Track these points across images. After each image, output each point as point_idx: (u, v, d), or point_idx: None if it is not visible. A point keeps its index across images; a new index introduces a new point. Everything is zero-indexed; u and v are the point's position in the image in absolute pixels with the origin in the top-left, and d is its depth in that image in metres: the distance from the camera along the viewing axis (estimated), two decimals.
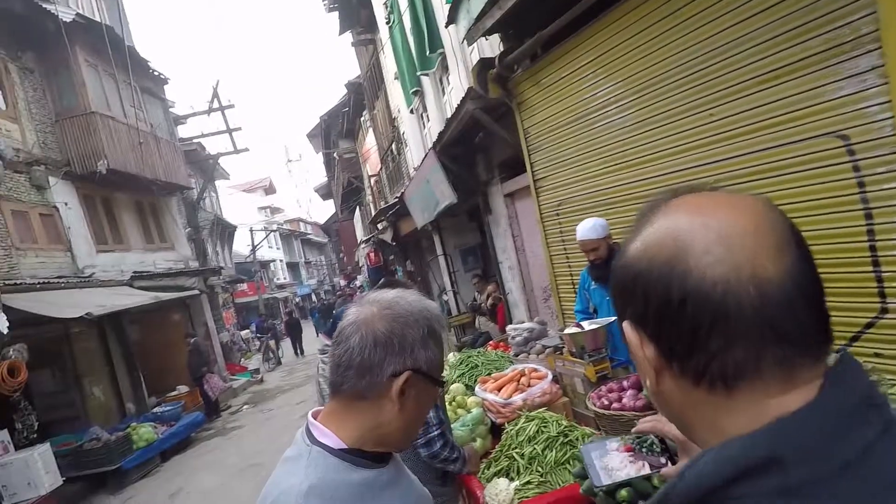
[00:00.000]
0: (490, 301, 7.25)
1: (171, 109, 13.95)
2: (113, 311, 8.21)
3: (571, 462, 2.43)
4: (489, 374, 3.53)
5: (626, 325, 0.54)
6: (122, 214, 11.35)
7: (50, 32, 9.30)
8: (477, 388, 3.28)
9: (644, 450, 1.27)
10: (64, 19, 9.19)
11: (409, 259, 14.72)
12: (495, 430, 3.06)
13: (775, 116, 2.61)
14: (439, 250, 10.03)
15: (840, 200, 2.40)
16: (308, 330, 22.89)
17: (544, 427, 2.59)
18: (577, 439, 2.53)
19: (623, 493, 1.79)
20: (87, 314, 7.01)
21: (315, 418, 0.96)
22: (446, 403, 3.25)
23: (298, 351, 19.49)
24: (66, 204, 9.55)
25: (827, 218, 2.43)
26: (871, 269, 2.36)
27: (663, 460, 1.02)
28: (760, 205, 0.50)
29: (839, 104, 2.36)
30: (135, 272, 10.69)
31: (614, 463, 1.48)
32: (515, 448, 2.56)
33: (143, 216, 12.16)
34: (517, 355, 3.82)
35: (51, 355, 8.56)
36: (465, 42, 4.45)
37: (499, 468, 2.56)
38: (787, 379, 0.47)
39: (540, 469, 2.42)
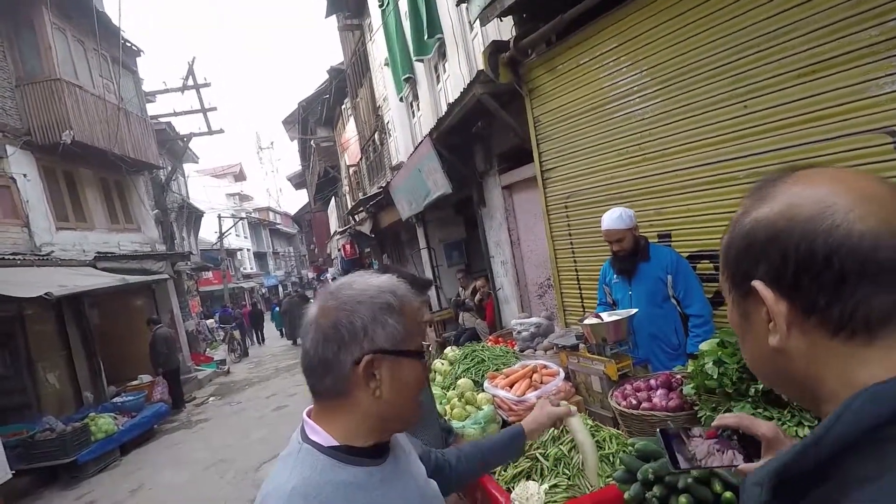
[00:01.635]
0: (478, 296, 7.09)
1: (141, 86, 13.26)
2: (76, 291, 7.67)
3: (599, 465, 2.27)
4: (497, 369, 3.36)
5: (757, 283, 0.56)
6: (85, 191, 10.67)
7: None
8: (486, 384, 3.10)
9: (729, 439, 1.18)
10: None
11: (387, 252, 14.44)
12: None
13: (817, 111, 2.52)
14: (423, 244, 9.82)
15: None
16: (270, 324, 22.38)
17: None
18: (603, 440, 2.37)
19: (682, 499, 1.64)
20: (46, 294, 6.49)
21: (310, 416, 0.95)
22: (455, 398, 3.07)
23: (259, 339, 20.18)
24: (24, 175, 8.89)
25: None
26: None
27: (741, 457, 0.97)
28: (880, 179, 0.55)
29: (888, 100, 2.28)
30: (98, 252, 10.07)
31: (700, 450, 1.36)
32: (538, 448, 2.39)
33: (109, 194, 11.48)
34: (523, 351, 3.66)
35: (1, 337, 7.95)
36: (478, 22, 4.25)
37: (519, 469, 2.38)
38: None
39: (567, 472, 2.26)
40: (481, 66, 4.40)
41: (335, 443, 0.89)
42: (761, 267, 0.56)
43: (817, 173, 0.56)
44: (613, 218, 2.92)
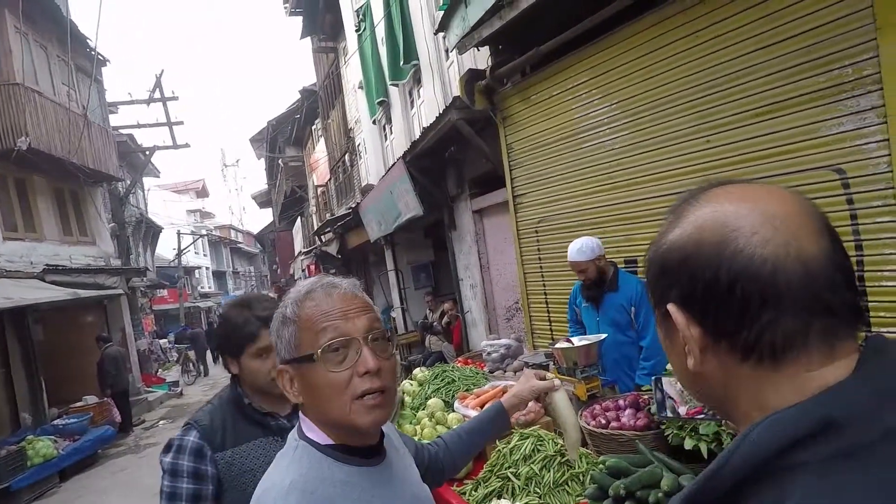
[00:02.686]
0: (446, 319, 7.09)
1: (105, 97, 12.91)
2: (22, 304, 7.25)
3: (570, 483, 2.30)
4: (467, 389, 3.36)
5: (671, 307, 0.56)
6: (37, 200, 10.19)
7: None
8: (457, 404, 3.09)
9: None
10: None
11: (354, 274, 14.29)
12: None
13: (773, 147, 2.70)
14: (390, 265, 9.79)
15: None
16: None
17: (540, 445, 2.45)
18: (574, 461, 2.40)
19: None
20: None
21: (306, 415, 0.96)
22: (426, 418, 3.04)
23: (215, 360, 19.13)
24: None
25: None
26: None
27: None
28: (796, 194, 0.55)
29: (837, 139, 2.47)
30: (47, 265, 9.57)
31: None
32: (509, 468, 2.40)
33: (63, 205, 11.00)
34: (493, 372, 3.68)
35: None
36: (455, 51, 4.39)
37: (490, 489, 2.38)
38: (829, 352, 0.51)
39: (538, 490, 2.27)
40: (457, 93, 4.52)
41: (330, 441, 0.90)
42: (674, 290, 0.56)
43: (727, 192, 0.56)
44: (575, 250, 3.01)
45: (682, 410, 1.62)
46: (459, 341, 6.73)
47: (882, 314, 2.40)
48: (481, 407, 2.99)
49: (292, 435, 0.95)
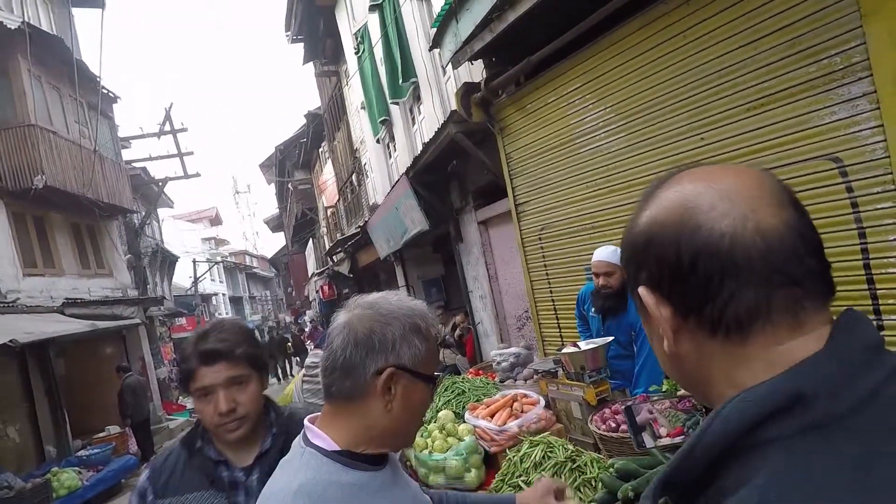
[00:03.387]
0: (458, 332, 7.07)
1: (117, 132, 13.27)
2: (42, 338, 7.40)
3: (582, 489, 2.27)
4: (478, 400, 3.35)
5: (641, 289, 0.56)
6: (55, 236, 10.46)
7: None
8: (467, 415, 3.09)
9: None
10: (9, 26, 8.62)
11: (366, 292, 14.33)
12: (488, 460, 2.88)
13: (767, 140, 2.70)
14: (401, 281, 9.83)
15: (833, 221, 2.47)
16: None
17: (550, 452, 2.44)
18: (585, 464, 2.38)
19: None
20: (11, 341, 6.25)
21: (313, 423, 0.98)
22: (436, 430, 3.04)
23: None
24: None
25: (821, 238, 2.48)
26: (865, 287, 2.42)
27: None
28: (759, 171, 0.55)
29: (831, 128, 2.46)
30: (67, 298, 9.78)
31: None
32: (521, 476, 2.38)
33: (80, 239, 11.27)
34: (503, 381, 3.66)
35: None
36: (450, 66, 4.46)
37: None
38: (796, 324, 0.50)
39: None
40: (454, 107, 4.58)
41: (337, 447, 0.92)
42: (643, 273, 0.56)
43: (689, 174, 0.56)
44: (609, 251, 2.95)
45: (664, 431, 1.59)
46: (473, 353, 6.71)
47: (890, 301, 2.37)
48: (491, 417, 2.98)
49: (297, 442, 0.97)
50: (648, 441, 1.48)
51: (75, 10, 12.39)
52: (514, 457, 2.51)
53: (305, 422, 0.98)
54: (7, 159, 9.09)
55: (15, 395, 8.44)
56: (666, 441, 1.46)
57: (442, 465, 2.75)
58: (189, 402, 15.01)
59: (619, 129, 3.45)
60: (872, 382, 0.47)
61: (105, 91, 12.00)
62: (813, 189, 2.53)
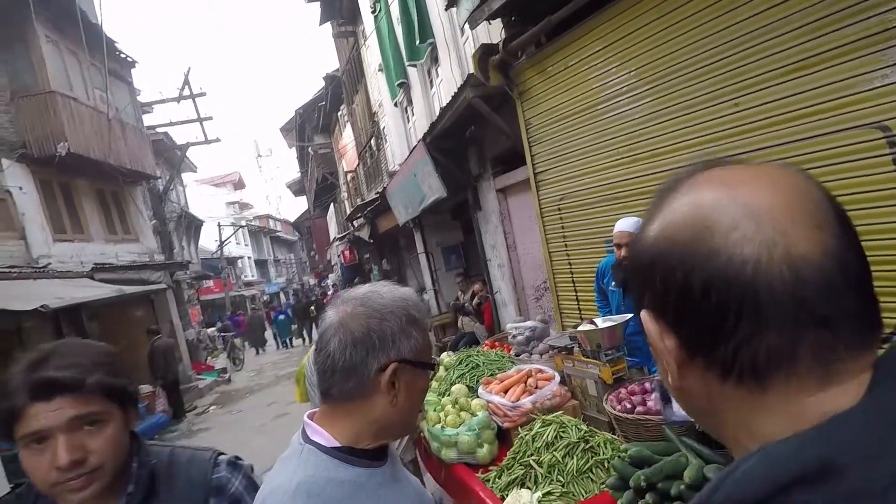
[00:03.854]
0: (476, 300, 7.05)
1: (137, 97, 13.28)
2: (72, 303, 7.65)
3: (594, 471, 2.23)
4: (492, 374, 3.32)
5: (644, 314, 0.49)
6: (82, 202, 10.67)
7: (5, 4, 8.64)
8: (480, 390, 3.06)
9: None
10: None
11: (386, 257, 14.41)
12: (501, 436, 2.86)
13: (807, 107, 2.49)
14: (420, 248, 9.80)
15: (879, 195, 2.29)
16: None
17: (563, 432, 2.40)
18: (598, 445, 2.33)
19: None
20: (42, 306, 6.47)
21: (311, 419, 0.96)
22: (449, 405, 3.03)
23: (259, 350, 19.47)
24: (20, 188, 8.89)
25: (865, 213, 2.31)
26: None
27: None
28: (797, 177, 0.45)
29: (879, 94, 2.25)
30: (96, 264, 10.05)
31: None
32: (532, 455, 2.36)
33: (106, 205, 11.48)
34: (518, 355, 3.62)
35: None
36: (468, 25, 4.24)
37: (513, 477, 2.35)
38: (827, 372, 0.42)
39: (561, 479, 2.22)
40: (472, 70, 4.38)
41: (337, 444, 0.91)
42: (647, 295, 0.49)
43: (710, 177, 0.48)
44: (632, 222, 2.87)
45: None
46: (491, 322, 6.70)
47: None
48: (504, 392, 2.95)
49: (296, 439, 0.95)
50: (675, 413, 1.48)
51: None
52: (526, 435, 2.48)
53: (304, 418, 0.97)
54: (31, 127, 9.20)
55: None
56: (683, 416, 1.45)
57: (454, 439, 2.74)
58: (217, 363, 15.54)
59: (645, 94, 3.25)
60: None
61: (123, 55, 11.96)
62: (857, 160, 2.34)
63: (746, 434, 0.45)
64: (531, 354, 3.55)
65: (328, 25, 14.06)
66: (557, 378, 2.95)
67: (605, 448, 2.29)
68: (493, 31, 4.72)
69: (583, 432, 2.37)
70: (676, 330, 0.47)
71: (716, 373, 0.45)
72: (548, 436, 2.40)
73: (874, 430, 0.39)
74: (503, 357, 3.63)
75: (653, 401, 2.32)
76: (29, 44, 9.21)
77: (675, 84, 3.04)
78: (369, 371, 0.89)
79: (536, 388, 2.93)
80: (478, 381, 3.27)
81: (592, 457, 2.27)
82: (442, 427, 2.87)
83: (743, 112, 2.73)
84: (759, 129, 2.67)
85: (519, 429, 2.62)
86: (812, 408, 0.42)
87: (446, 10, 5.31)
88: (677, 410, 1.57)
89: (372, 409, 0.91)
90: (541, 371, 3.09)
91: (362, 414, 0.92)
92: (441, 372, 3.61)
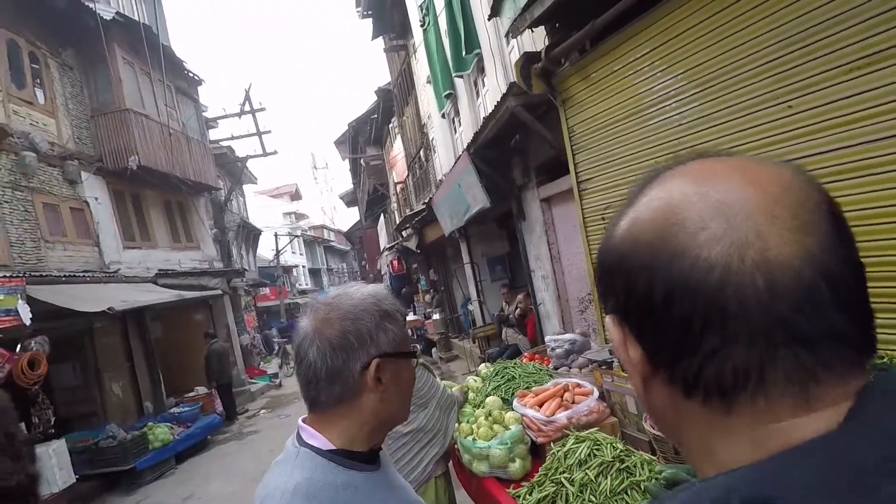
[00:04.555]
0: (519, 311, 6.94)
1: (203, 114, 14.11)
2: (136, 306, 8.15)
3: (629, 492, 2.12)
4: (528, 387, 3.25)
5: (608, 320, 0.46)
6: (150, 212, 11.41)
7: (90, 29, 9.43)
8: (515, 403, 3.00)
9: None
10: (104, 17, 9.31)
11: (433, 268, 14.50)
12: (535, 451, 2.78)
13: (869, 108, 2.29)
14: (466, 258, 9.78)
15: None
16: None
17: (597, 450, 2.30)
18: (634, 466, 2.22)
19: None
20: (108, 309, 6.93)
21: (306, 423, 0.97)
22: (482, 417, 2.97)
23: None
24: (96, 199, 9.62)
25: None
26: None
27: None
28: (783, 171, 0.40)
29: None
30: (160, 270, 10.69)
31: None
32: (564, 472, 2.27)
33: (171, 215, 12.22)
34: (557, 368, 3.53)
35: (72, 349, 8.54)
36: (509, 35, 4.22)
37: (544, 494, 2.27)
38: (803, 396, 0.37)
39: (593, 499, 2.12)
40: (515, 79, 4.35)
41: (332, 447, 0.92)
42: (611, 300, 0.45)
43: (686, 171, 0.43)
44: None
45: None
46: (534, 334, 6.56)
47: None
48: (539, 406, 2.87)
49: (291, 442, 0.96)
50: None
51: None
52: (558, 451, 2.39)
53: (299, 422, 0.97)
54: (107, 141, 9.96)
55: (119, 355, 9.41)
56: None
57: (486, 452, 2.69)
58: (270, 367, 16.07)
59: (692, 98, 3.10)
60: (881, 500, 0.31)
61: (191, 74, 12.74)
62: None
63: (708, 459, 0.41)
64: (570, 368, 3.45)
65: (380, 41, 14.46)
66: (596, 393, 2.84)
67: (643, 469, 2.17)
68: (536, 39, 4.69)
69: (618, 451, 2.26)
70: (640, 339, 0.43)
71: (679, 389, 0.41)
72: (581, 453, 2.31)
73: (832, 471, 0.33)
74: (541, 370, 3.55)
75: None
76: (109, 65, 10.00)
77: (723, 87, 2.89)
78: (353, 372, 0.90)
79: (573, 402, 2.84)
80: (513, 394, 3.20)
81: (628, 477, 2.16)
82: (474, 439, 2.82)
83: (797, 114, 2.55)
84: (814, 132, 2.49)
85: (552, 444, 2.54)
86: (778, 436, 0.37)
87: (489, 19, 5.32)
88: None
89: (363, 408, 0.92)
90: (579, 385, 2.99)
91: (355, 414, 0.92)
92: (478, 383, 3.56)
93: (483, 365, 4.01)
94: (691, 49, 3.05)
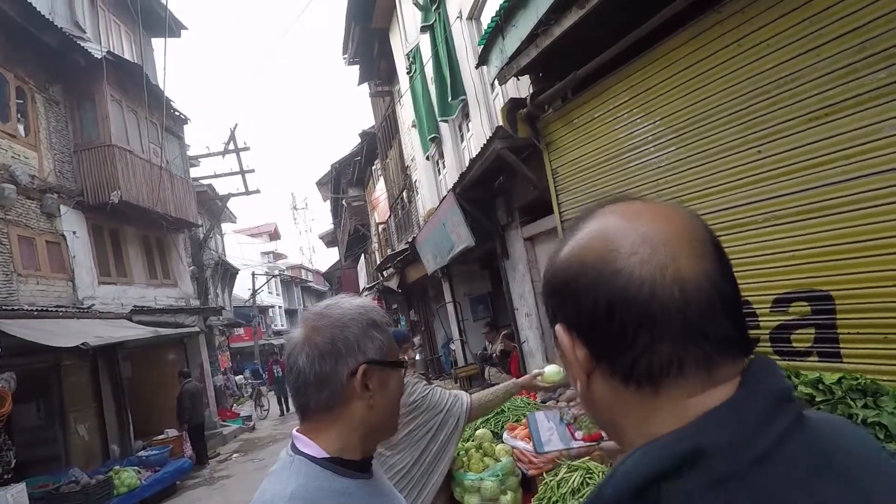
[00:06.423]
0: (502, 347, 6.97)
1: (187, 151, 14.16)
2: (111, 342, 7.91)
3: None
4: (517, 420, 3.27)
5: (558, 328, 0.55)
6: (128, 247, 11.24)
7: (80, 67, 9.54)
8: (505, 435, 3.02)
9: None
10: (95, 55, 9.44)
11: (414, 308, 14.45)
12: (526, 482, 2.79)
13: (832, 153, 2.51)
14: (448, 297, 9.82)
15: None
16: None
17: (590, 479, 2.33)
18: None
19: None
20: (83, 344, 6.71)
21: (299, 432, 0.98)
22: (473, 449, 2.98)
23: (284, 408, 16.11)
24: (74, 233, 9.46)
25: (885, 259, 2.27)
26: None
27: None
28: (685, 213, 0.54)
29: None
30: (135, 306, 10.44)
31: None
32: (557, 501, 2.29)
33: (149, 251, 12.04)
34: (545, 402, 3.56)
35: (38, 387, 8.17)
36: (497, 82, 4.46)
37: None
38: (708, 378, 0.49)
39: None
40: (501, 123, 4.57)
41: (326, 455, 0.93)
42: (560, 311, 0.55)
43: (614, 209, 0.55)
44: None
45: (579, 435, 1.58)
46: (517, 372, 6.57)
47: None
48: (529, 437, 2.89)
49: (285, 451, 0.98)
50: (556, 444, 1.66)
51: (154, 40, 13.45)
52: (551, 481, 2.42)
53: (293, 431, 1.00)
54: (89, 176, 9.89)
55: (86, 395, 9.03)
56: (579, 443, 1.65)
57: (477, 485, 2.69)
58: (243, 410, 15.52)
59: (669, 143, 3.32)
60: (775, 434, 0.45)
61: (177, 113, 12.86)
62: (886, 204, 2.32)
63: (641, 436, 0.50)
64: (558, 401, 3.49)
65: (366, 86, 14.90)
66: None
67: None
68: (521, 87, 4.95)
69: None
70: (586, 341, 0.53)
71: (618, 380, 0.51)
72: (574, 482, 2.34)
73: (738, 420, 0.46)
74: (529, 403, 3.58)
75: None
76: (97, 102, 10.07)
77: (698, 133, 3.12)
78: (341, 378, 0.93)
79: None
80: (502, 427, 3.22)
81: None
82: (465, 471, 2.82)
83: (767, 159, 2.76)
84: (783, 174, 2.69)
85: (544, 475, 2.56)
86: (694, 408, 0.48)
87: (476, 68, 5.60)
88: (556, 441, 1.72)
89: (352, 415, 0.95)
90: None
91: (344, 421, 0.95)
92: None
93: None
94: (667, 98, 3.29)
